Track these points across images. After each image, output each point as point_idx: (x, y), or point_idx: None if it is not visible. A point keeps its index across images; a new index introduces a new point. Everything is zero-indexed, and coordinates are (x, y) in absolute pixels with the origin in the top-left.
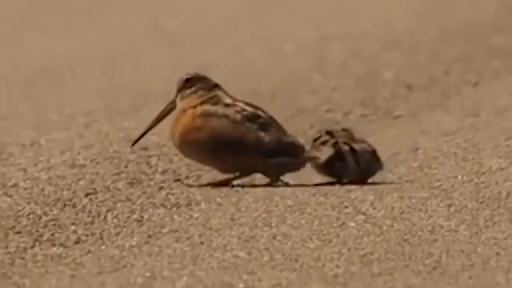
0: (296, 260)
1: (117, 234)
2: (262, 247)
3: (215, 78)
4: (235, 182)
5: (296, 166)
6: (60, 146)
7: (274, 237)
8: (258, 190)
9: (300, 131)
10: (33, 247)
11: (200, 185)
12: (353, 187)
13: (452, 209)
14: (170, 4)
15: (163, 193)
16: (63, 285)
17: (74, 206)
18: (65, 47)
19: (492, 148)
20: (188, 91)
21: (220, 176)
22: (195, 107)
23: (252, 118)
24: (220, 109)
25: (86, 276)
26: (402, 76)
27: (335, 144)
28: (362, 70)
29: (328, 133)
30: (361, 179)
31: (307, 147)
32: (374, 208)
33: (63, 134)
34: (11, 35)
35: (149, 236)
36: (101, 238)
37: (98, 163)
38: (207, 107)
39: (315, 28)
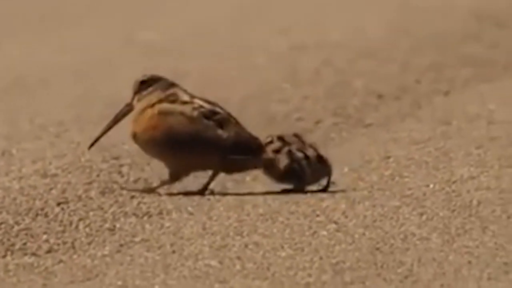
0: (268, 269)
1: (89, 243)
2: (234, 256)
3: (187, 87)
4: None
5: (253, 165)
6: (32, 155)
7: (246, 246)
8: (229, 198)
9: None
10: (4, 256)
11: (171, 194)
12: (325, 195)
13: (424, 217)
14: (143, 14)
15: (135, 202)
16: None
17: (46, 215)
18: (37, 57)
19: (464, 157)
20: (144, 92)
21: (191, 186)
22: (153, 105)
23: (210, 115)
24: (177, 107)
25: (58, 285)
26: (373, 85)
27: (289, 152)
28: (333, 79)
29: (280, 138)
30: (311, 184)
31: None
32: (346, 217)
33: (35, 144)
34: None
35: (121, 245)
36: (73, 247)
37: (69, 172)
38: (164, 105)
39: (287, 38)
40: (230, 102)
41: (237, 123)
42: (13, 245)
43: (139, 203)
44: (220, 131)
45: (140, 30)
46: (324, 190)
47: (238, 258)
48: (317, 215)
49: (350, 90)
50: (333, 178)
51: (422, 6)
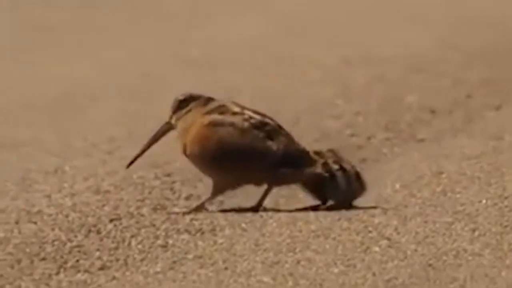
0: (321, 285)
1: (142, 260)
2: (287, 273)
3: (238, 102)
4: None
5: (303, 177)
6: (84, 172)
7: (299, 262)
8: (282, 215)
9: None
10: (58, 273)
11: (224, 211)
12: (377, 211)
13: (476, 233)
14: (193, 29)
15: (187, 218)
16: None
17: (98, 232)
18: (88, 74)
19: None
20: (183, 111)
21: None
22: (203, 116)
23: (260, 126)
24: (227, 118)
25: None
26: (426, 100)
27: (325, 164)
28: (386, 94)
29: (317, 153)
30: (347, 200)
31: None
32: (398, 233)
33: (87, 161)
34: (34, 62)
35: (174, 262)
36: (126, 264)
37: (122, 189)
38: (214, 116)
39: (338, 53)
40: (282, 118)
41: (287, 134)
42: (66, 262)
43: (191, 219)
44: (270, 143)
45: (189, 45)
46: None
47: (291, 274)
48: (369, 231)
49: (402, 105)
50: (385, 194)
51: (473, 20)
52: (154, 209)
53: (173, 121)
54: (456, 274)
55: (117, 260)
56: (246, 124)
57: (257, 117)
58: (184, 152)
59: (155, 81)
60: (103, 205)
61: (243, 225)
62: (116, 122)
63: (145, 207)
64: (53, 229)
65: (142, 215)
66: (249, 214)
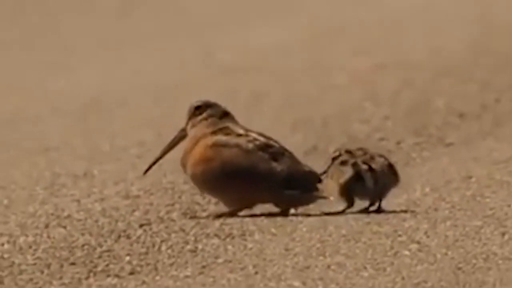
0: None
1: (172, 265)
2: (317, 277)
3: (267, 107)
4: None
5: (307, 200)
6: (113, 177)
7: (329, 267)
8: (312, 219)
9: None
10: (87, 278)
11: (254, 215)
12: (407, 215)
13: (506, 237)
14: (221, 34)
15: (217, 223)
16: None
17: (128, 237)
18: (116, 78)
19: None
20: (199, 118)
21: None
22: (206, 136)
23: (264, 147)
24: (232, 139)
25: None
26: (454, 104)
27: (354, 164)
28: (414, 98)
29: (348, 152)
30: (378, 197)
31: (323, 172)
32: (428, 237)
33: (116, 165)
34: (62, 66)
35: (203, 267)
36: (156, 269)
37: (151, 194)
38: (219, 137)
39: (367, 57)
40: (311, 122)
41: (292, 157)
42: (96, 266)
43: (221, 224)
44: (274, 164)
45: (217, 50)
46: (377, 210)
47: (321, 279)
48: (399, 235)
49: (430, 110)
50: (415, 198)
51: (501, 24)
52: (184, 214)
53: (188, 127)
54: (486, 278)
55: (147, 264)
56: (251, 145)
57: (262, 139)
58: (184, 167)
59: (184, 86)
60: (133, 210)
61: (273, 229)
62: (145, 126)
63: (175, 212)
64: (82, 234)
65: (172, 220)
66: (279, 219)
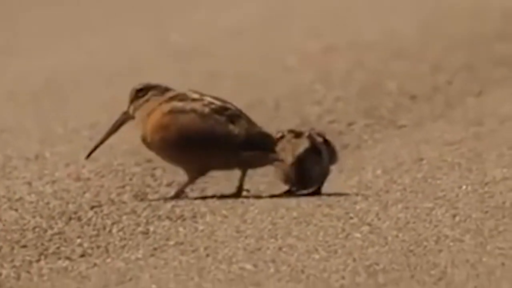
0: (302, 272)
1: (123, 247)
2: (268, 259)
3: (219, 88)
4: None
5: (266, 161)
6: (65, 159)
7: (280, 249)
8: (263, 201)
9: None
10: (38, 260)
11: (205, 197)
12: (358, 198)
13: (457, 219)
14: (174, 16)
15: (168, 205)
16: None
17: (79, 219)
18: (69, 61)
19: (496, 158)
20: (141, 100)
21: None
22: (160, 104)
23: (221, 110)
24: (187, 104)
25: None
26: (406, 86)
27: (310, 136)
28: (366, 80)
29: (291, 131)
30: (326, 174)
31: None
32: (379, 219)
33: (68, 147)
34: (15, 49)
35: (155, 249)
36: (107, 251)
37: (103, 176)
38: (174, 104)
39: (318, 39)
40: (263, 104)
41: (248, 119)
42: (46, 249)
43: (172, 206)
44: (231, 127)
45: (171, 32)
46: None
47: (272, 261)
48: (351, 218)
49: (382, 91)
50: (366, 180)
51: (454, 7)
52: (135, 196)
53: (131, 111)
54: (437, 259)
55: (98, 247)
56: (206, 109)
57: (217, 102)
58: (144, 141)
59: (137, 69)
60: (84, 192)
61: (224, 211)
62: (98, 108)
63: (126, 194)
64: (34, 216)
65: (123, 202)
66: (230, 201)
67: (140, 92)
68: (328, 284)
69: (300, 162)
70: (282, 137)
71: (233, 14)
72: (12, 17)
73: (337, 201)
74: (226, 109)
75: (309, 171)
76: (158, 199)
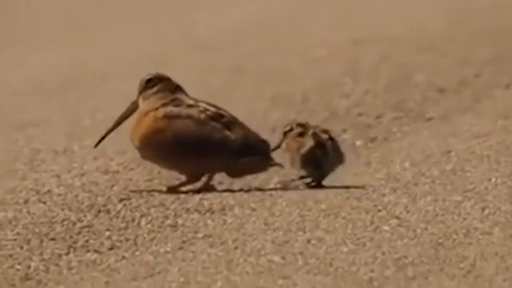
0: (331, 264)
1: (151, 240)
2: (297, 252)
3: (246, 82)
4: (267, 187)
5: (262, 166)
6: (93, 152)
7: (309, 241)
8: (292, 194)
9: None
10: (67, 253)
11: (234, 190)
12: (387, 190)
13: (486, 211)
14: (201, 9)
15: (197, 198)
16: None
17: (108, 212)
18: (96, 54)
19: None
20: (150, 91)
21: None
22: (157, 109)
23: (216, 117)
24: (183, 110)
25: (121, 282)
26: (434, 79)
27: (314, 134)
28: (394, 73)
29: (300, 125)
30: (332, 169)
31: (278, 142)
32: (408, 212)
33: (96, 140)
34: (43, 42)
35: (183, 242)
36: (135, 244)
37: (131, 169)
38: (169, 109)
39: (347, 32)
40: (291, 97)
41: (243, 125)
42: (75, 242)
43: (201, 199)
44: (227, 133)
45: (197, 25)
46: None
47: (301, 253)
48: (379, 210)
49: (410, 84)
50: (394, 173)
51: (481, 0)
52: (164, 189)
53: (140, 100)
54: (466, 252)
55: (127, 240)
56: (202, 115)
57: (212, 109)
58: (135, 143)
59: (163, 61)
60: (113, 185)
61: (253, 204)
62: (125, 100)
63: (154, 187)
64: (62, 209)
65: (152, 195)
66: (258, 193)
67: (150, 83)
68: (356, 277)
69: (305, 159)
70: (290, 130)
71: (260, 7)
72: (37, 10)
73: (366, 193)
74: (221, 115)
75: (314, 168)
76: (186, 192)
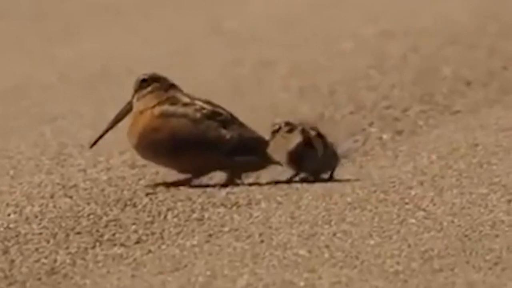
0: (357, 258)
1: (178, 234)
2: (323, 245)
3: (274, 75)
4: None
5: (258, 166)
6: (120, 146)
7: (334, 235)
8: (317, 187)
9: (359, 128)
10: (94, 247)
11: (260, 184)
12: (414, 183)
13: None
14: (228, 3)
15: (223, 192)
16: (124, 285)
17: (134, 206)
18: (123, 48)
19: None
20: (145, 91)
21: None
22: (153, 107)
23: (212, 116)
24: (179, 109)
25: (147, 276)
26: (461, 72)
27: (303, 130)
28: (421, 66)
29: (288, 124)
30: (324, 168)
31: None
32: (434, 205)
33: (123, 134)
34: (70, 36)
35: (210, 235)
36: (162, 237)
37: None
38: (165, 107)
39: (374, 24)
40: (318, 90)
41: (240, 123)
42: (102, 236)
43: (227, 193)
44: (223, 131)
45: (225, 19)
46: (329, 179)
47: (327, 246)
48: (406, 203)
49: (437, 77)
50: (421, 166)
51: None
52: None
53: (134, 100)
54: (493, 245)
55: (153, 233)
56: (198, 114)
57: (208, 107)
58: (132, 141)
59: (191, 55)
60: (139, 179)
61: (279, 198)
62: None
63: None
64: (88, 203)
65: (178, 189)
66: (285, 187)
67: (144, 83)
68: (382, 270)
69: (293, 156)
70: (278, 129)
71: (287, 0)
72: (66, 3)
73: (392, 186)
74: (218, 113)
75: (303, 165)
76: (213, 186)
